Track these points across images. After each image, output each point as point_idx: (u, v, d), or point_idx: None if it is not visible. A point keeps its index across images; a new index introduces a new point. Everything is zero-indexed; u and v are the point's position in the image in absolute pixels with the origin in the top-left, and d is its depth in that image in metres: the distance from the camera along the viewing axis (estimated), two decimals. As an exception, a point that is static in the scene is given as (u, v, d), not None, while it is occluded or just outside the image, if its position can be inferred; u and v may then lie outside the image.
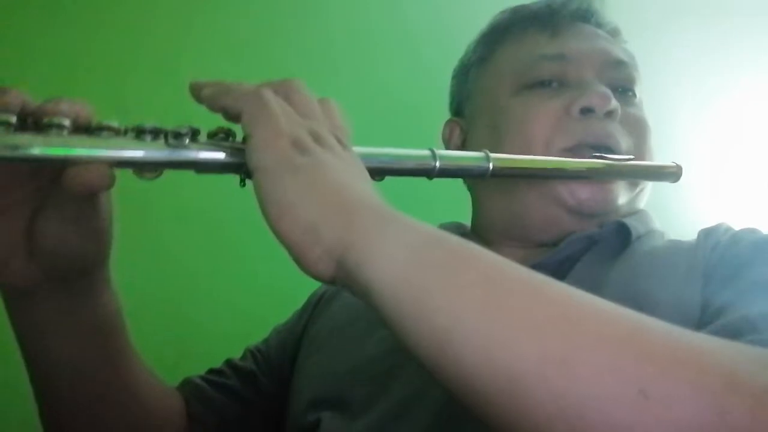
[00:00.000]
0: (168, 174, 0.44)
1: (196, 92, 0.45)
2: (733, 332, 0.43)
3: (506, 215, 0.69)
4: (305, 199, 0.38)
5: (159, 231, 0.99)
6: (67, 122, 0.41)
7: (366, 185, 0.41)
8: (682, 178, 0.72)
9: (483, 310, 0.33)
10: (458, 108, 0.78)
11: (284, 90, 0.45)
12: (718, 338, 0.34)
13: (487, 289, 0.34)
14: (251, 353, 0.76)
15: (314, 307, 0.77)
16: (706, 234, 0.60)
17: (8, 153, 0.39)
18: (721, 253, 0.56)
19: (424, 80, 1.19)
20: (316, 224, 0.37)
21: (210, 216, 1.02)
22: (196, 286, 1.07)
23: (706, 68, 1.47)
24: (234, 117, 0.43)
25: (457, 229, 0.77)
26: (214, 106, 0.44)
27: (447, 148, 0.78)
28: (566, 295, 0.35)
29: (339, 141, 0.44)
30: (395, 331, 0.36)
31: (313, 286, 0.76)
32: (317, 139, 0.42)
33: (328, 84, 1.17)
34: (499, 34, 0.75)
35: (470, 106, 0.75)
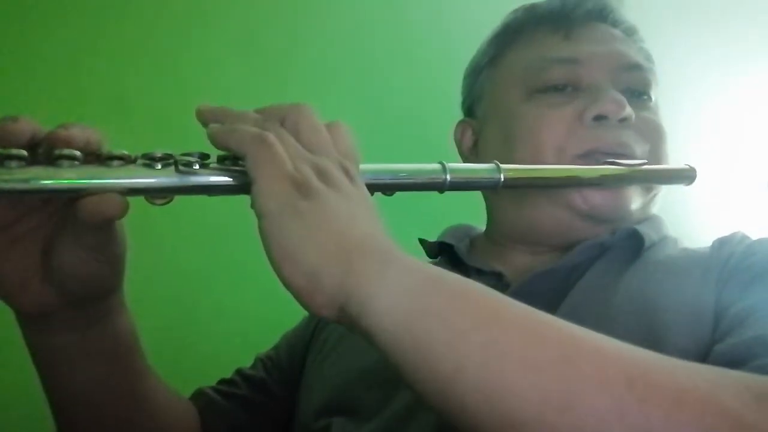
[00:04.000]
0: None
1: (202, 119, 0.45)
2: (745, 353, 0.43)
3: (519, 221, 0.69)
4: (306, 245, 0.38)
5: (159, 232, 0.99)
6: (78, 153, 0.41)
7: (370, 225, 0.41)
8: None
9: (482, 354, 0.33)
10: (470, 108, 0.77)
11: (294, 117, 0.44)
12: (724, 372, 0.34)
13: (486, 333, 0.34)
14: (261, 361, 0.76)
15: None
16: (721, 243, 0.59)
17: (21, 186, 0.40)
18: (735, 263, 0.55)
19: (427, 84, 1.18)
20: (317, 270, 0.37)
21: (211, 215, 1.03)
22: (196, 286, 1.08)
23: (707, 67, 1.45)
24: (239, 157, 0.42)
25: (467, 232, 0.77)
26: (218, 146, 0.43)
27: (458, 148, 0.78)
28: (566, 335, 0.35)
29: (347, 172, 0.43)
30: (401, 375, 0.36)
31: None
32: (323, 176, 0.41)
33: (331, 83, 1.18)
34: (511, 35, 0.73)
35: (482, 108, 0.75)
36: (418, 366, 0.35)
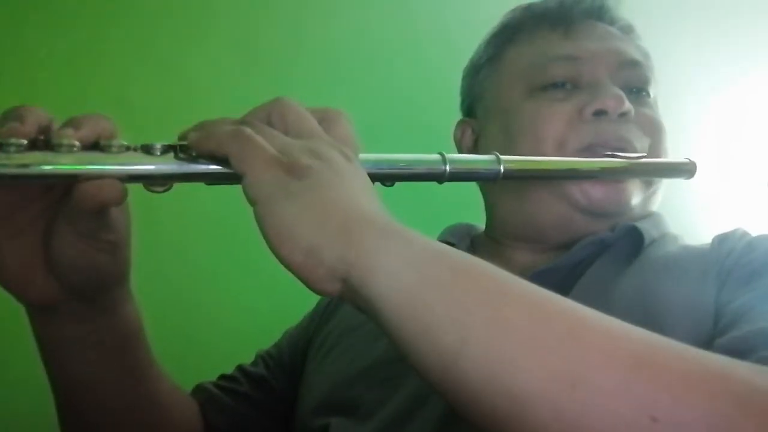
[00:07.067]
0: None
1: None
2: (746, 346, 0.43)
3: (518, 216, 0.69)
4: (303, 223, 0.37)
5: (162, 227, 0.99)
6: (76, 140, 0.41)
7: (368, 200, 0.40)
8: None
9: (488, 329, 0.33)
10: (470, 108, 0.77)
11: (277, 111, 0.44)
12: (730, 359, 0.33)
13: (491, 308, 0.33)
14: (262, 358, 0.76)
15: (325, 309, 0.77)
16: (721, 240, 0.59)
17: (19, 171, 0.40)
18: (735, 260, 0.55)
19: (430, 80, 1.18)
20: (317, 246, 0.37)
21: (215, 211, 1.02)
22: (198, 282, 1.07)
23: (711, 63, 1.46)
24: (223, 161, 0.42)
25: (467, 231, 0.76)
26: (201, 154, 0.43)
27: (459, 148, 0.78)
28: (573, 312, 0.34)
29: (342, 153, 0.42)
30: (400, 348, 0.35)
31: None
32: (315, 156, 0.41)
33: (332, 83, 1.18)
34: (510, 33, 0.74)
35: (482, 107, 0.75)
36: (419, 338, 0.34)
